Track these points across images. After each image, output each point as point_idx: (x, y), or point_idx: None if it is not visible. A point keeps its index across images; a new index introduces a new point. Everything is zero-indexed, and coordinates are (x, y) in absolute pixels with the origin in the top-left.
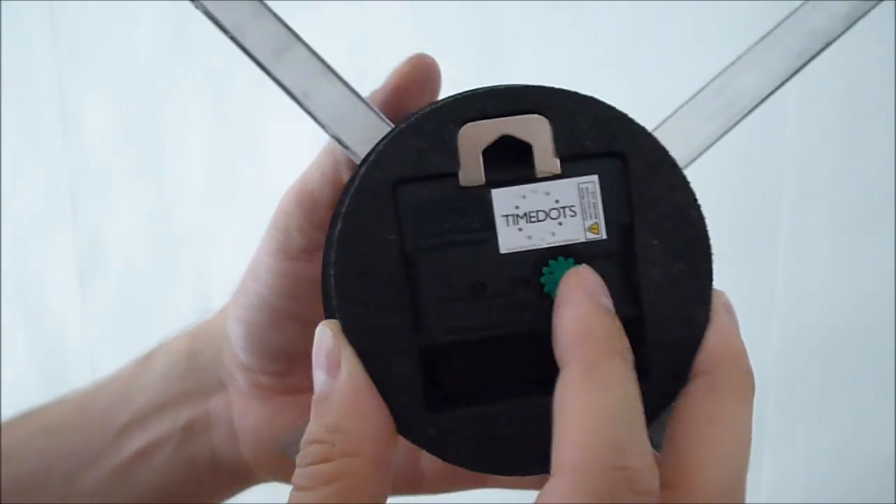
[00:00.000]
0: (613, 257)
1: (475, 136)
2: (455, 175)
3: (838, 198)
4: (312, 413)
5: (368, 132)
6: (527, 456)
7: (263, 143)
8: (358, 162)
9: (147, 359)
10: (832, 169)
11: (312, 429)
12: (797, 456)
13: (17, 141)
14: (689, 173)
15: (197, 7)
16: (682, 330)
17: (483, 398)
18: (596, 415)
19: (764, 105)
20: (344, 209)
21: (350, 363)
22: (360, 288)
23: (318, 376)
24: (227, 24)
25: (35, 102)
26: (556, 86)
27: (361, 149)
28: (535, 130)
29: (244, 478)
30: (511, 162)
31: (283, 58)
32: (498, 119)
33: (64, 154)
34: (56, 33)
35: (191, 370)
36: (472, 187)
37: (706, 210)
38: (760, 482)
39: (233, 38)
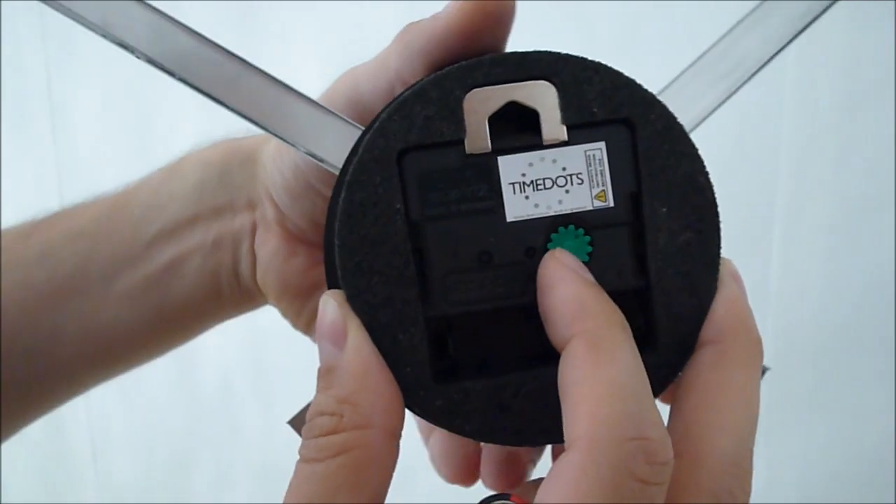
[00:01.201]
0: (621, 225)
1: (481, 103)
2: (461, 142)
3: (834, 190)
4: (319, 384)
5: (340, 141)
6: (535, 427)
7: None
8: (336, 173)
9: (178, 165)
10: (828, 161)
11: (320, 400)
12: (791, 450)
13: (5, 140)
14: None
15: (138, 56)
16: (689, 299)
17: (490, 369)
18: (608, 387)
19: (760, 97)
20: (348, 178)
21: (357, 335)
22: (366, 258)
23: (324, 347)
24: (173, 68)
25: (24, 100)
26: (565, 51)
27: (336, 159)
28: (542, 97)
29: (255, 298)
30: (518, 129)
31: (236, 88)
32: (504, 85)
33: (53, 153)
34: (45, 30)
35: (223, 186)
36: (478, 155)
37: None
38: (753, 477)
39: (182, 80)
